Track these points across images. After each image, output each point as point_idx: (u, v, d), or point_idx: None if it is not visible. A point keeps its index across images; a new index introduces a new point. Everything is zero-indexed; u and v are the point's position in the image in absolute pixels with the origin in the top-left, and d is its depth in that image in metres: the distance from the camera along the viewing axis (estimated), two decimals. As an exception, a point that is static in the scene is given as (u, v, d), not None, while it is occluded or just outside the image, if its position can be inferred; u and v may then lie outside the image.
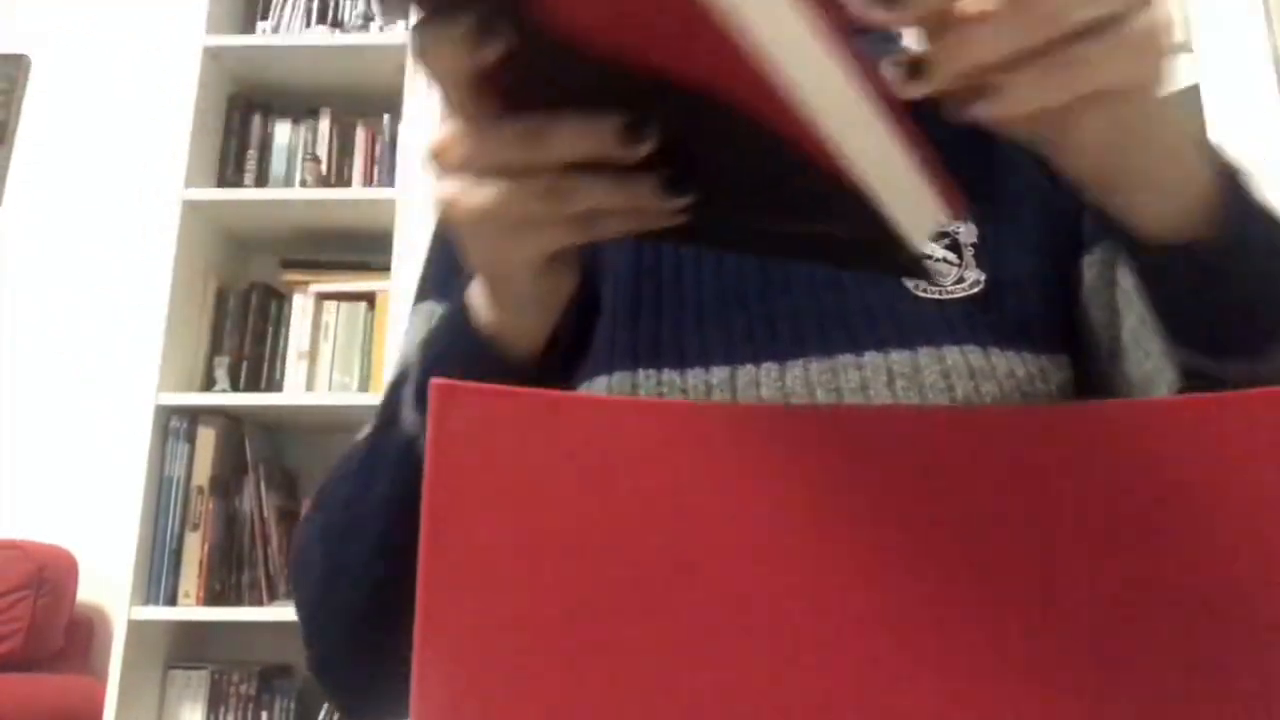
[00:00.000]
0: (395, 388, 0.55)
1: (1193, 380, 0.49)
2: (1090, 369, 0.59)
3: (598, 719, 0.25)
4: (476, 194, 0.42)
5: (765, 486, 0.26)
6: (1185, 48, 1.78)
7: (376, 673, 0.54)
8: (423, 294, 0.68)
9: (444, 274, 0.66)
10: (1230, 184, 0.45)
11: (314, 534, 0.57)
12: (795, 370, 0.54)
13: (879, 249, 0.35)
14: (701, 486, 0.26)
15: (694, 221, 0.39)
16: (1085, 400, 0.56)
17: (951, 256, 0.58)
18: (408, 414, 0.52)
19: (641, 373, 0.55)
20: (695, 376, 0.55)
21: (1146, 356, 0.54)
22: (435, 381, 0.25)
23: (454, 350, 0.51)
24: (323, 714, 2.06)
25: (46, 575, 2.06)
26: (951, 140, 0.64)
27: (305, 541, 0.58)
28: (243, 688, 2.03)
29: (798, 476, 0.26)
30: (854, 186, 0.32)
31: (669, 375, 0.55)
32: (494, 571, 0.25)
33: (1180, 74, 1.77)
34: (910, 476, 0.26)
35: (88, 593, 2.18)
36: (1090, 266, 0.59)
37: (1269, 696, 0.27)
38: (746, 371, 0.55)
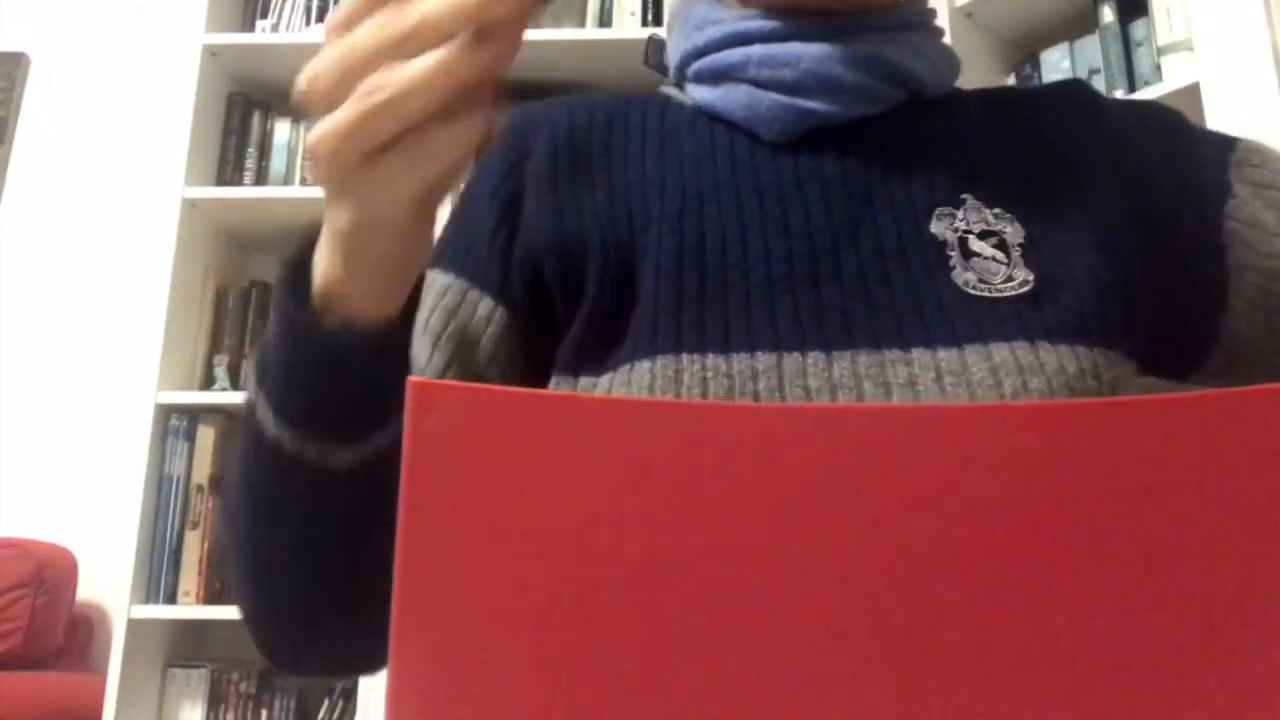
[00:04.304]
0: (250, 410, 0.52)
1: None
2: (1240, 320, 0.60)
3: (579, 722, 0.25)
4: (361, 106, 0.40)
5: (750, 486, 0.26)
6: (1186, 47, 1.78)
7: (299, 608, 0.54)
8: (431, 262, 0.66)
9: (458, 244, 0.65)
10: None
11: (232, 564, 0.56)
12: (843, 362, 0.54)
13: None
14: (686, 486, 0.26)
15: None
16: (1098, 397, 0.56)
17: (1000, 255, 0.58)
18: (272, 428, 0.50)
19: (685, 357, 0.54)
20: (740, 362, 0.54)
21: None
22: (412, 380, 0.25)
23: (300, 350, 0.49)
24: (322, 712, 2.06)
25: (46, 574, 2.06)
26: (1001, 142, 0.64)
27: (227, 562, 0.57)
28: (242, 686, 2.04)
29: (780, 476, 0.26)
30: None
31: (714, 360, 0.54)
32: (471, 573, 0.25)
33: (1181, 72, 1.77)
34: (902, 476, 0.26)
35: (87, 591, 2.18)
36: (1237, 209, 0.60)
37: (1269, 698, 0.26)
38: (793, 360, 0.54)
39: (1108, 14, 1.92)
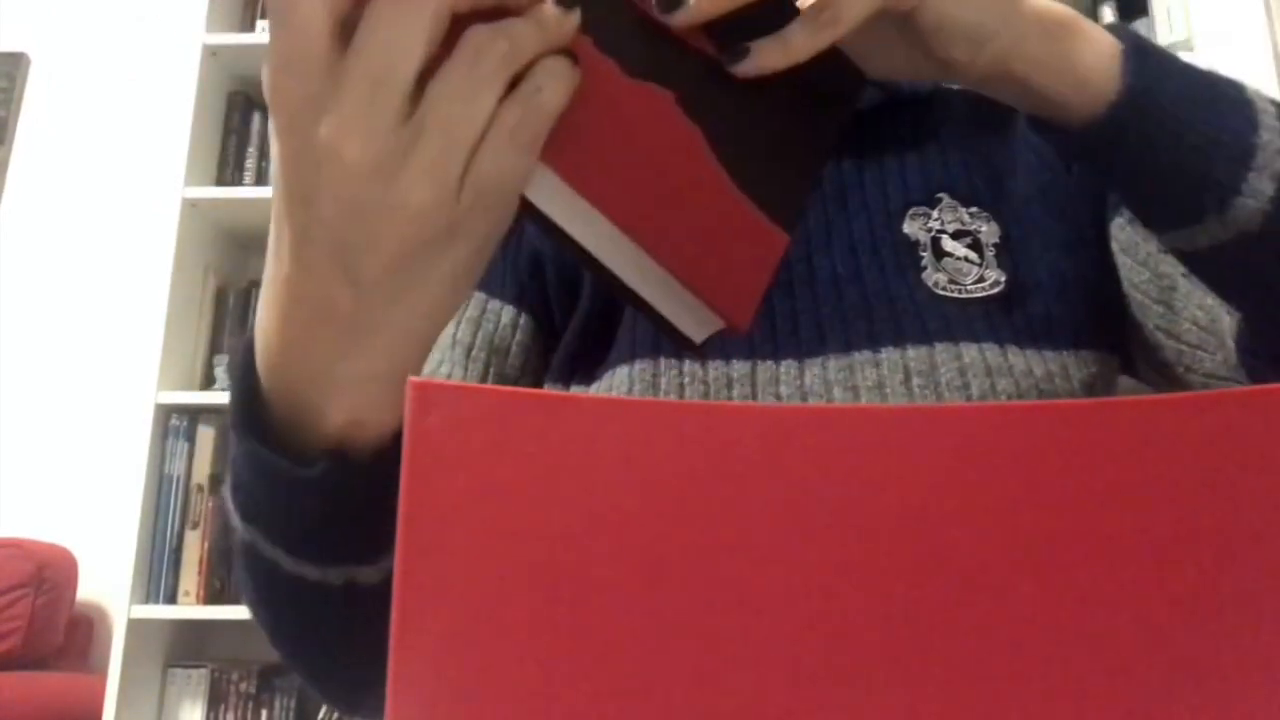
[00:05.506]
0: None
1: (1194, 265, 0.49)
2: (1142, 343, 0.58)
3: (579, 722, 0.25)
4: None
5: (750, 486, 0.26)
6: (1186, 47, 1.78)
7: (361, 683, 0.52)
8: None
9: (492, 265, 0.64)
10: (1132, 49, 0.46)
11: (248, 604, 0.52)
12: (814, 369, 0.54)
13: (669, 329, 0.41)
14: (686, 486, 0.26)
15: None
16: (1098, 396, 0.56)
17: (973, 256, 0.57)
18: (289, 565, 0.45)
19: (663, 361, 0.55)
20: (716, 369, 0.55)
21: (1207, 291, 0.53)
22: (412, 380, 0.25)
23: (297, 499, 0.41)
24: (322, 713, 2.06)
25: (46, 574, 2.06)
26: (982, 140, 0.64)
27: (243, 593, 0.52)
28: (242, 686, 2.04)
29: (781, 475, 0.26)
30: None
31: (690, 366, 0.55)
32: (472, 574, 0.25)
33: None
34: (902, 476, 0.26)
35: (87, 591, 2.18)
36: (1120, 229, 0.58)
37: (1270, 697, 0.26)
38: (767, 368, 0.54)
39: (1108, 14, 1.92)
